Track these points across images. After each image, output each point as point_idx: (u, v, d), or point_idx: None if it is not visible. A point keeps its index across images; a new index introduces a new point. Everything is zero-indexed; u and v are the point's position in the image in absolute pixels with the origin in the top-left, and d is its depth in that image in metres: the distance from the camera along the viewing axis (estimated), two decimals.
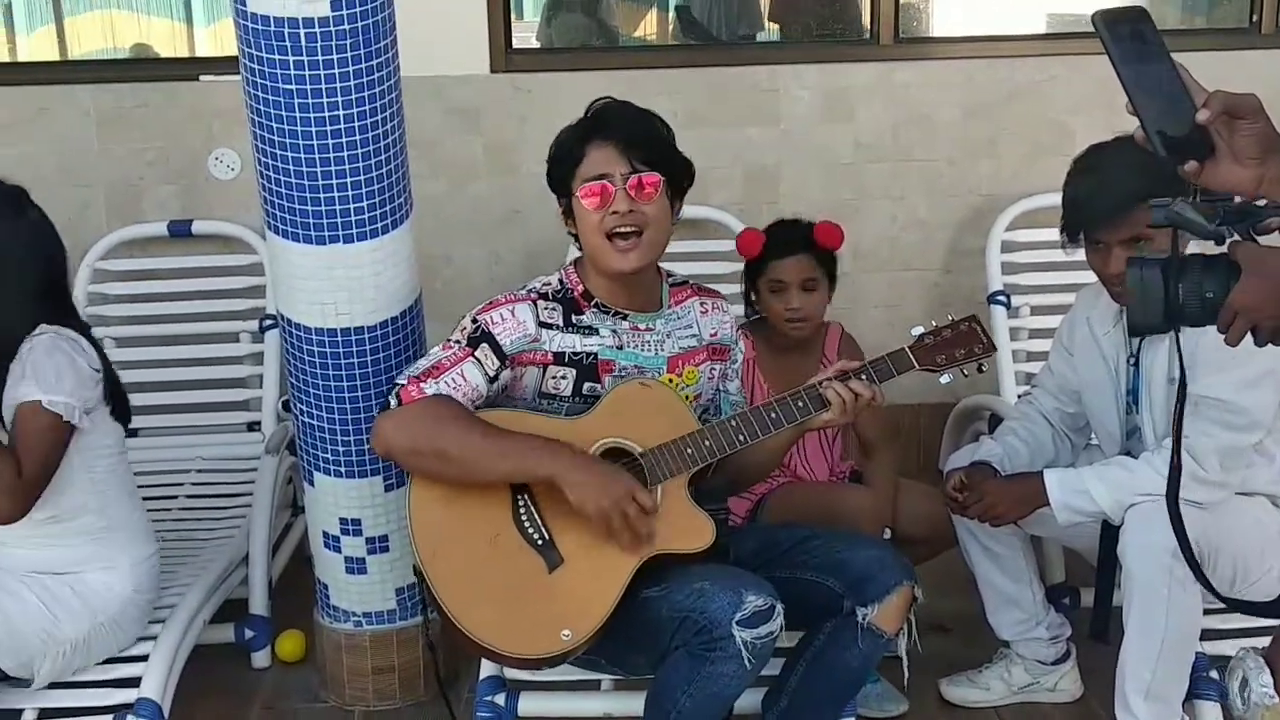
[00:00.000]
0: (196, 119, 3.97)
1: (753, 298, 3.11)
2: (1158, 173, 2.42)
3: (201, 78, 3.98)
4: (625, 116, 2.45)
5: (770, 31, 4.79)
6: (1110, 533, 2.62)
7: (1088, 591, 2.92)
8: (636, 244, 2.39)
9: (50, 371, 2.50)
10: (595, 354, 2.43)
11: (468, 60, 3.97)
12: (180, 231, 3.91)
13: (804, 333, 3.03)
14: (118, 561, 2.67)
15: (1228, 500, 2.54)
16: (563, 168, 2.44)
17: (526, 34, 4.84)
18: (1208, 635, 2.60)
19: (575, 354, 2.42)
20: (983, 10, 4.46)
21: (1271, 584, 2.66)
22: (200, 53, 4.69)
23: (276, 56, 2.49)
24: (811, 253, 2.99)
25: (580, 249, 2.52)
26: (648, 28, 5.21)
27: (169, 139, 3.98)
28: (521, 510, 2.35)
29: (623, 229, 2.38)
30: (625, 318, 2.48)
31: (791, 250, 2.99)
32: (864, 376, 2.42)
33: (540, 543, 2.33)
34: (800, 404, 2.40)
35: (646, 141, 2.42)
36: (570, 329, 2.43)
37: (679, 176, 2.47)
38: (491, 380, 2.37)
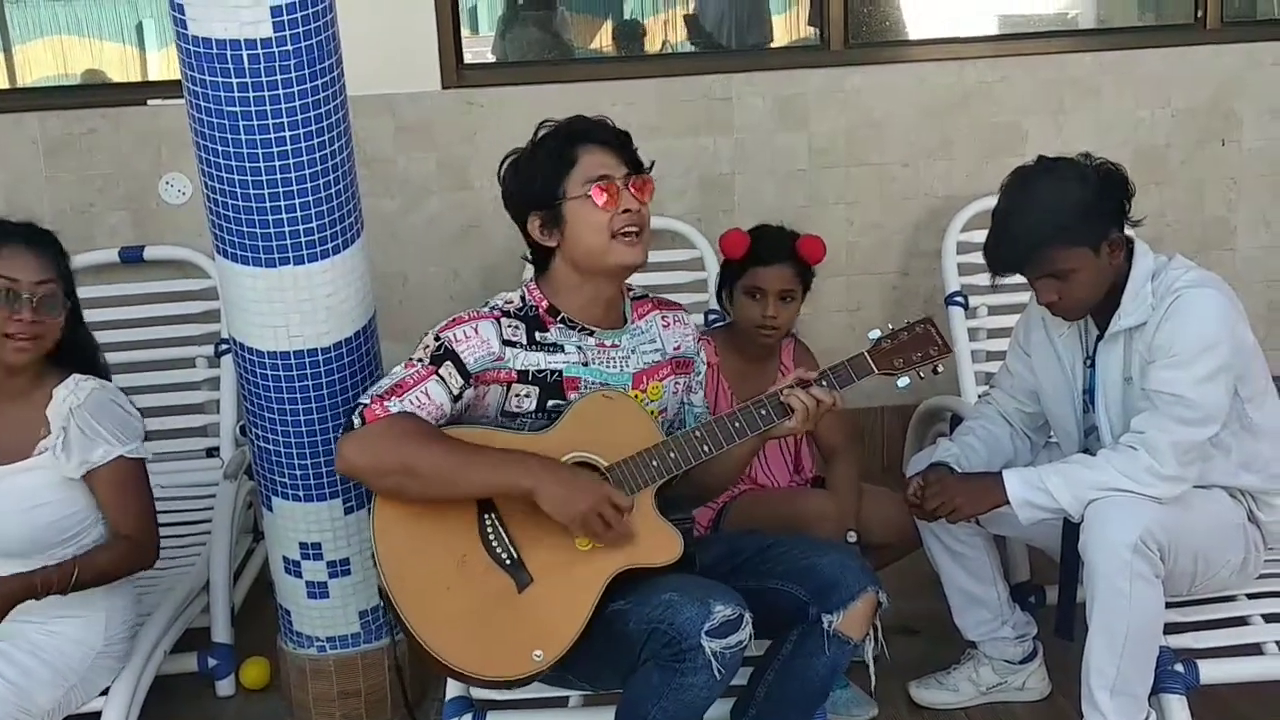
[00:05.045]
0: (146, 143, 3.94)
1: (722, 298, 3.12)
2: (1065, 210, 2.49)
3: (149, 102, 3.95)
4: (602, 123, 2.46)
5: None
6: (1072, 530, 2.62)
7: (1053, 589, 2.93)
8: (639, 240, 2.41)
9: (113, 420, 2.57)
10: (560, 371, 2.42)
11: (419, 77, 3.95)
12: (132, 257, 3.88)
13: (773, 341, 3.04)
14: (97, 610, 2.61)
15: (1186, 494, 2.55)
16: (551, 175, 2.41)
17: (482, 48, 4.82)
18: (1171, 629, 2.61)
19: (540, 372, 2.41)
20: (933, 13, 4.48)
21: (1230, 576, 2.68)
22: (153, 76, 4.65)
23: (219, 79, 2.47)
24: (793, 264, 3.00)
25: (535, 265, 2.51)
26: (602, 40, 5.20)
27: (118, 165, 3.95)
28: (489, 530, 2.33)
29: (629, 228, 2.39)
30: (592, 334, 2.47)
31: (776, 259, 2.99)
32: (824, 383, 2.44)
33: (509, 562, 2.31)
34: (763, 412, 2.41)
35: (631, 143, 2.45)
36: (534, 346, 2.42)
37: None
38: (455, 399, 2.35)
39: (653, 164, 2.48)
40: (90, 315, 3.75)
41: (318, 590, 2.87)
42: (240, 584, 3.41)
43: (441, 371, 2.34)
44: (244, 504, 3.44)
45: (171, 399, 3.75)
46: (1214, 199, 4.24)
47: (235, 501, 3.32)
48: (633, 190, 2.40)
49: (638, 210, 2.40)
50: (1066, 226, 2.49)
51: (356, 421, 2.30)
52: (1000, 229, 2.58)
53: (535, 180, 2.43)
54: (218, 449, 3.68)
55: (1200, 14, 4.18)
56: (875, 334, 2.50)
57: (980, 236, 3.85)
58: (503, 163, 2.51)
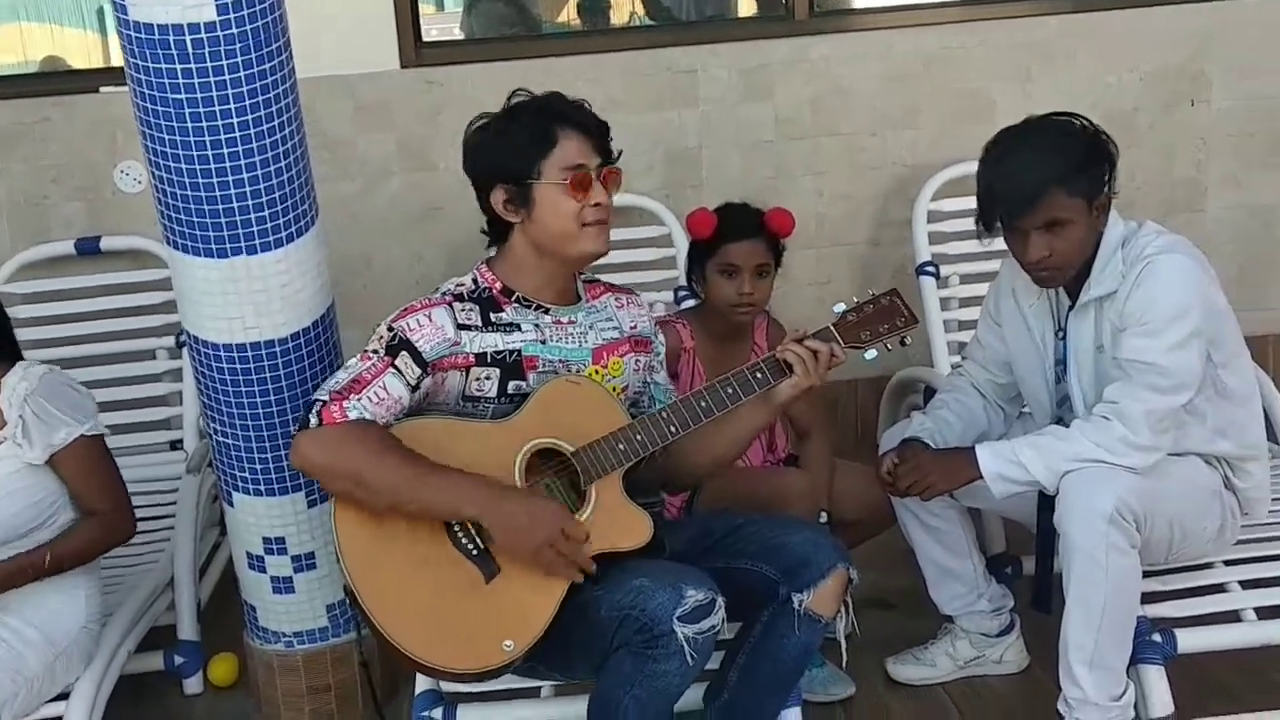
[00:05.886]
0: (99, 131, 3.86)
1: (693, 279, 3.07)
2: (1067, 156, 2.46)
3: (102, 89, 3.87)
4: (584, 108, 2.42)
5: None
6: (1047, 502, 2.60)
7: (1029, 560, 2.91)
8: (604, 230, 2.39)
9: (67, 402, 2.57)
10: (519, 350, 2.38)
11: (377, 56, 3.88)
12: (88, 249, 3.81)
13: (750, 318, 3.00)
14: (78, 589, 2.65)
15: (1162, 463, 2.52)
16: (528, 152, 2.36)
17: (449, 24, 4.76)
18: (1148, 598, 2.59)
19: (498, 353, 2.37)
20: None
21: (1207, 544, 2.66)
22: (115, 62, 4.57)
23: (163, 65, 2.40)
24: (764, 238, 2.96)
25: (491, 238, 2.46)
26: (569, 14, 5.14)
27: (72, 154, 3.87)
28: (454, 521, 2.28)
29: (598, 219, 2.37)
30: (548, 311, 2.43)
31: (747, 234, 2.95)
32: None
33: (475, 553, 2.27)
34: (759, 375, 2.37)
35: (607, 132, 2.42)
36: (490, 328, 2.38)
37: None
38: (413, 389, 2.30)
39: (620, 154, 2.44)
40: (47, 309, 3.76)
41: (283, 585, 2.83)
42: (206, 579, 3.37)
43: (397, 363, 2.30)
44: (209, 497, 3.38)
45: (133, 392, 3.70)
46: (1183, 161, 4.22)
47: (199, 495, 3.27)
48: (604, 183, 2.37)
49: (607, 204, 2.38)
50: (1070, 172, 2.46)
51: (314, 420, 2.25)
52: (1000, 173, 2.51)
53: (509, 153, 2.37)
54: (181, 442, 3.63)
55: None
56: (840, 307, 2.46)
57: (950, 205, 3.90)
58: (471, 125, 2.45)
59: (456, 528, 2.28)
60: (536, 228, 2.38)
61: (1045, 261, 2.50)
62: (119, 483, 2.67)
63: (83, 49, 4.63)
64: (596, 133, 2.40)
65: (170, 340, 3.70)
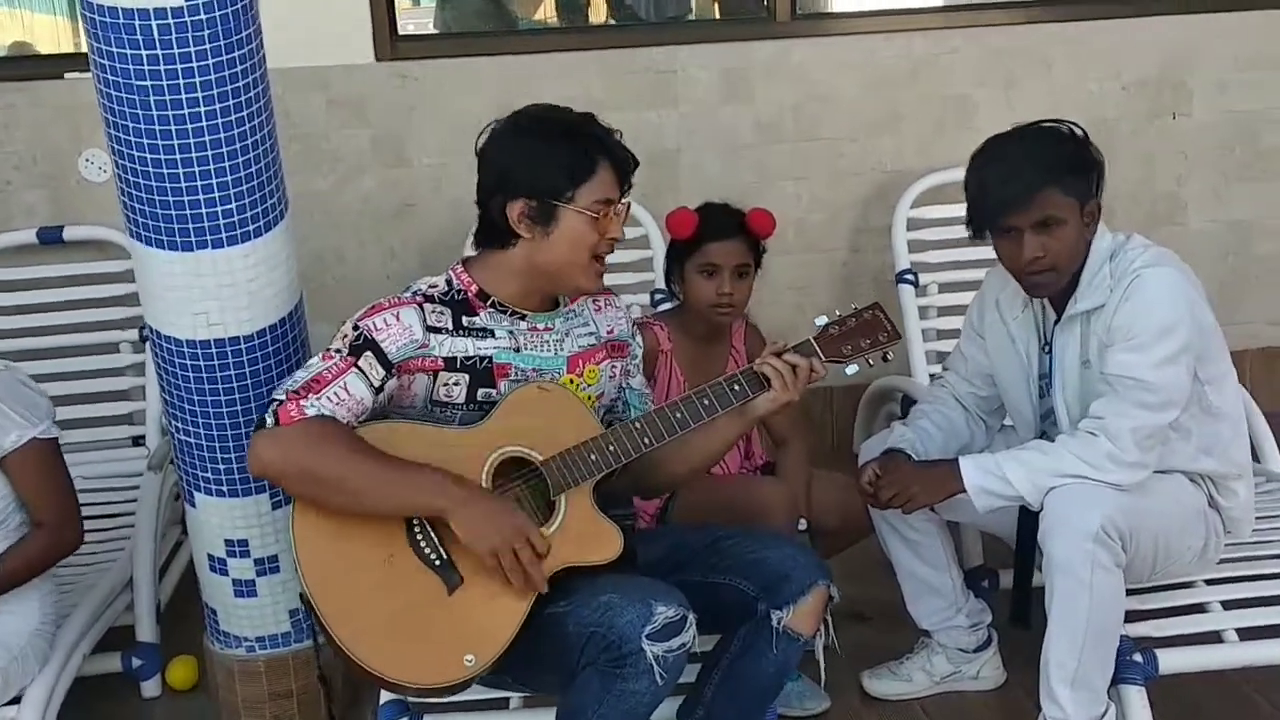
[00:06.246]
0: (64, 119, 3.78)
1: (671, 280, 3.03)
2: (1060, 156, 2.42)
3: (66, 75, 3.78)
4: (618, 139, 2.36)
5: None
6: (1028, 517, 2.56)
7: (1007, 573, 2.87)
8: (604, 267, 2.36)
9: (21, 401, 2.49)
10: (490, 358, 2.31)
11: (351, 49, 3.82)
12: (51, 238, 3.73)
13: (730, 319, 2.96)
14: (30, 592, 2.58)
15: (1146, 480, 2.48)
16: (568, 174, 2.27)
17: (424, 19, 4.70)
18: (1129, 616, 2.54)
19: (468, 359, 2.29)
20: None
21: (1190, 562, 2.63)
22: (83, 48, 4.49)
23: (128, 51, 2.32)
24: (745, 238, 2.92)
25: (484, 243, 2.37)
26: (546, 11, 5.08)
27: (36, 141, 3.79)
28: (416, 529, 2.21)
29: (607, 253, 2.33)
30: (524, 318, 2.36)
31: (728, 234, 2.91)
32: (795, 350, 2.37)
33: (438, 563, 2.19)
34: (736, 388, 2.32)
35: (636, 168, 2.38)
36: (461, 332, 2.30)
37: None
38: (377, 391, 2.22)
39: (630, 186, 2.39)
40: (7, 299, 3.67)
41: (245, 589, 2.75)
42: (167, 579, 3.29)
43: (361, 363, 2.21)
44: (170, 495, 3.30)
45: (95, 385, 3.63)
46: (1164, 174, 4.20)
47: (160, 493, 3.18)
48: (620, 218, 2.34)
49: (620, 240, 2.35)
50: (1064, 170, 2.44)
51: (269, 420, 2.16)
52: (993, 173, 2.47)
53: (547, 170, 2.27)
54: (143, 437, 3.54)
55: None
56: (822, 320, 2.40)
57: (930, 213, 3.86)
58: (500, 125, 2.34)
59: (419, 536, 2.21)
60: (549, 250, 2.30)
61: (1039, 263, 2.46)
62: (68, 491, 2.59)
63: (51, 35, 4.56)
64: (626, 168, 2.34)
65: (134, 334, 3.63)
